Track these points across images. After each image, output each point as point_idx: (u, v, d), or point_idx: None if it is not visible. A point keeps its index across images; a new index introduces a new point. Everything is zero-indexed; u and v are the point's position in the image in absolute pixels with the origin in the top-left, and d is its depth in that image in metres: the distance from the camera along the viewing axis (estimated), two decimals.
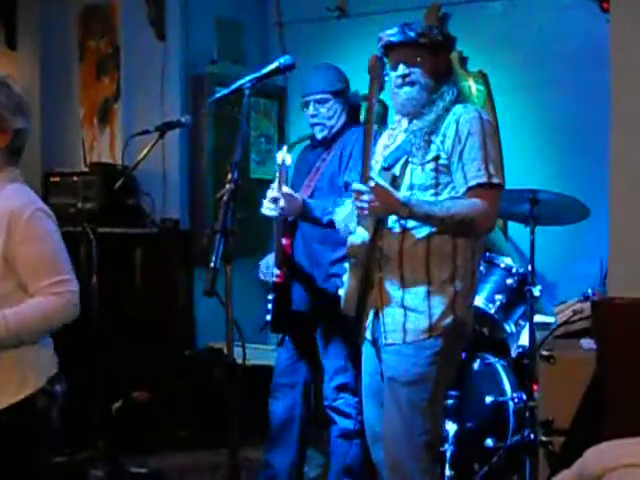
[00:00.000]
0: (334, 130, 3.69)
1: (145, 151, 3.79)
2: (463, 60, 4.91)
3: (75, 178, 4.93)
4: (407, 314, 2.84)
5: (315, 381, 3.90)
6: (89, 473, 4.03)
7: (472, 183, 2.78)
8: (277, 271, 3.55)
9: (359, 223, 2.86)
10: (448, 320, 2.83)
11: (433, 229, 2.80)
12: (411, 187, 2.83)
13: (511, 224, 4.72)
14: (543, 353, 3.66)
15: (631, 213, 3.43)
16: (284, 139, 5.55)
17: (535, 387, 3.72)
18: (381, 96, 3.12)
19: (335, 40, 5.29)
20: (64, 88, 5.43)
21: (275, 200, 3.35)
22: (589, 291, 3.90)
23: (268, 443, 3.82)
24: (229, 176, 2.52)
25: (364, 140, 2.87)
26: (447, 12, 4.87)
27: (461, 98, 2.93)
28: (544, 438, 3.60)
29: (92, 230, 4.17)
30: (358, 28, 5.16)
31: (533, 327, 3.72)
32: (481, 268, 3.85)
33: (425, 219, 2.76)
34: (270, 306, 3.59)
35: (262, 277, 3.73)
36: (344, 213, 3.00)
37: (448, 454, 3.78)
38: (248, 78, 2.70)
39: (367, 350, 3.01)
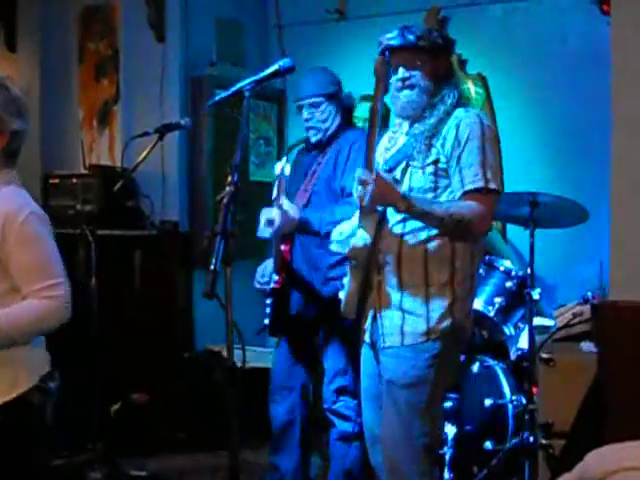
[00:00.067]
0: (329, 133, 3.69)
1: (144, 153, 3.80)
2: (462, 63, 4.92)
3: (74, 180, 4.92)
4: (405, 317, 2.83)
5: (314, 384, 3.90)
6: (88, 475, 4.03)
7: (469, 187, 2.77)
8: (276, 277, 3.57)
9: (360, 225, 2.86)
10: (446, 323, 2.82)
11: (432, 232, 2.80)
12: (410, 190, 2.82)
13: (510, 227, 4.72)
14: (543, 356, 3.66)
15: (632, 216, 3.43)
16: (283, 142, 5.55)
17: (534, 390, 3.72)
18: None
19: (334, 42, 5.29)
20: (63, 90, 5.43)
21: (270, 222, 3.37)
22: (589, 294, 3.91)
23: (272, 446, 3.83)
24: (229, 179, 2.51)
25: (367, 139, 2.84)
26: (447, 15, 4.86)
27: (462, 101, 2.92)
28: (544, 441, 3.60)
29: (91, 232, 4.16)
30: (357, 31, 5.17)
31: (532, 330, 3.72)
32: (480, 271, 3.84)
33: (424, 216, 2.75)
34: (268, 310, 3.60)
35: (258, 286, 3.73)
36: (343, 234, 2.98)
37: (447, 457, 3.79)
38: (248, 80, 2.70)
39: (366, 353, 3.00)
